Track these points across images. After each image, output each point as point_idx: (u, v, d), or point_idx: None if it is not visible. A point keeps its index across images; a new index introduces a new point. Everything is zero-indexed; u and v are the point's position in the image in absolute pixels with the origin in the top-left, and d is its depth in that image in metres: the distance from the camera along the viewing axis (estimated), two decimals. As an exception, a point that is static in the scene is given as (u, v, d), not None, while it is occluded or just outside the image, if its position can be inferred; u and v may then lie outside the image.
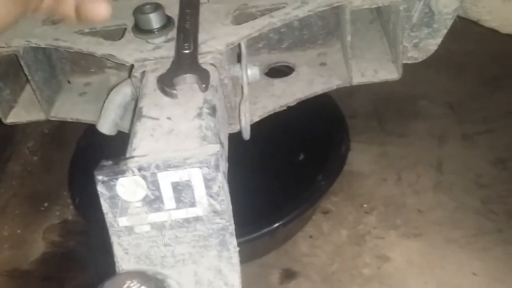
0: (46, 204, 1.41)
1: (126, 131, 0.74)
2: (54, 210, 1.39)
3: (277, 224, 1.12)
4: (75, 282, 1.20)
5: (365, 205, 1.30)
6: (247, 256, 1.17)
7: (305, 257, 1.22)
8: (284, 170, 1.28)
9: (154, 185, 0.51)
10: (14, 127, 1.59)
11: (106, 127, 0.72)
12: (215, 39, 0.67)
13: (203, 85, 0.60)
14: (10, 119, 0.78)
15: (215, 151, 0.52)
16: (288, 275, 1.20)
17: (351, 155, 1.27)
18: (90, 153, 1.28)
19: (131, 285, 0.39)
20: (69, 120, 0.78)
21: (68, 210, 1.38)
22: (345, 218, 1.28)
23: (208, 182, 0.51)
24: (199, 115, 0.58)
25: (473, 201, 1.25)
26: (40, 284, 1.24)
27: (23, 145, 1.56)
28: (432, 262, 1.18)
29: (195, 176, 0.51)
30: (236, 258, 0.54)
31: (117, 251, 0.53)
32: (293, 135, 1.31)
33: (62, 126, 1.59)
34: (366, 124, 1.46)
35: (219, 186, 0.52)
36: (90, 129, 1.39)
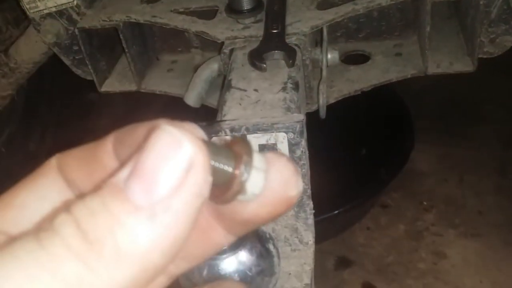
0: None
1: (210, 106, 0.80)
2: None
3: (337, 211, 1.16)
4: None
5: (424, 203, 1.32)
6: (305, 241, 1.22)
7: (361, 247, 1.25)
8: (348, 162, 1.31)
9: (243, 146, 0.56)
10: (89, 107, 1.70)
11: (192, 99, 0.78)
12: (301, 22, 0.72)
13: (290, 61, 0.64)
14: (105, 88, 0.86)
15: (301, 118, 0.57)
16: (344, 262, 1.23)
17: (414, 154, 1.29)
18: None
19: None
20: (157, 92, 0.84)
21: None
22: (404, 214, 1.30)
23: (292, 146, 0.56)
24: (284, 89, 0.63)
25: (535, 207, 1.25)
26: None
27: (98, 122, 1.66)
28: (488, 263, 1.18)
29: (281, 140, 0.56)
30: (311, 220, 0.59)
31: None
32: (359, 130, 1.34)
33: (134, 109, 1.68)
34: (431, 125, 1.48)
35: (302, 151, 0.56)
36: (162, 112, 1.47)
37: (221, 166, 0.20)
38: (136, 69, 0.83)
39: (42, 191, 0.23)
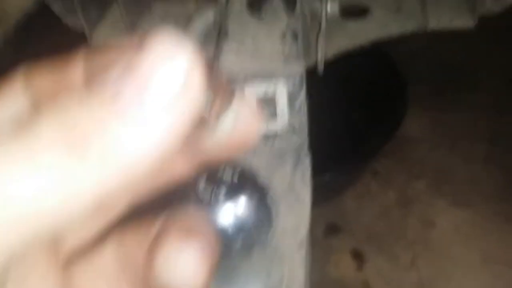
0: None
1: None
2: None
3: (326, 177, 1.14)
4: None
5: (415, 170, 1.30)
6: (294, 207, 1.20)
7: (350, 214, 1.24)
8: (339, 127, 1.28)
9: (239, 96, 0.53)
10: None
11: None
12: (300, -30, 0.68)
13: (289, 11, 0.61)
14: (95, 38, 0.81)
15: (300, 68, 0.54)
16: (333, 229, 1.21)
17: (406, 120, 1.27)
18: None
19: (225, 173, 0.41)
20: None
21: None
22: (394, 181, 1.29)
23: (291, 97, 0.53)
24: (283, 39, 0.60)
25: (525, 176, 1.24)
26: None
27: None
28: (478, 232, 1.18)
29: (280, 91, 0.53)
30: (308, 176, 0.56)
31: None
32: (352, 95, 1.31)
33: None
34: (425, 90, 1.45)
35: (301, 102, 0.53)
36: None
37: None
38: (127, 17, 0.78)
39: (10, 102, 0.22)
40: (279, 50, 0.58)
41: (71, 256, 0.24)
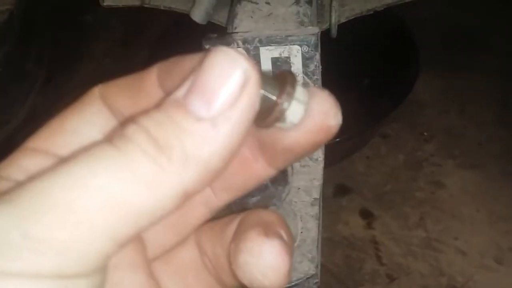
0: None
1: (217, 23, 0.78)
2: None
3: (337, 139, 1.16)
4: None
5: (425, 133, 1.32)
6: (305, 168, 1.23)
7: (360, 176, 1.26)
8: (351, 90, 1.30)
9: (255, 58, 0.55)
10: (85, 30, 1.66)
11: (198, 15, 0.76)
12: None
13: (304, -25, 0.62)
14: (108, 2, 0.83)
15: (316, 31, 0.55)
16: (342, 190, 1.24)
17: (416, 84, 1.28)
18: (162, 58, 1.33)
19: None
20: (162, 8, 0.82)
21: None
22: (404, 144, 1.31)
23: (306, 60, 0.55)
24: (297, 2, 0.61)
25: (534, 139, 1.26)
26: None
27: (95, 47, 1.63)
28: (486, 193, 1.20)
29: (295, 53, 0.55)
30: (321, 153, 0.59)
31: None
32: (363, 58, 1.32)
33: (133, 32, 1.64)
34: (434, 55, 1.45)
35: (316, 65, 0.55)
36: (162, 37, 1.44)
37: (266, 93, 0.22)
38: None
39: (89, 118, 0.25)
40: (294, 12, 0.60)
41: (155, 255, 0.27)
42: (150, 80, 0.25)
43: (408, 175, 1.25)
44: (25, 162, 0.23)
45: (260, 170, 0.26)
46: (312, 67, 0.55)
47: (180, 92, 0.21)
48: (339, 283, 1.11)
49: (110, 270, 0.21)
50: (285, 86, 0.22)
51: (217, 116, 0.20)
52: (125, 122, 0.21)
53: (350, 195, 1.24)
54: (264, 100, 0.22)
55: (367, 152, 1.31)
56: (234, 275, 0.24)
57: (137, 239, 0.25)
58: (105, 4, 0.83)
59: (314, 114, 0.23)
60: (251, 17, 0.61)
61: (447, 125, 1.32)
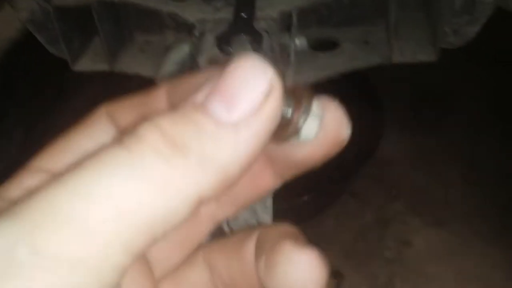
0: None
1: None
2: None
3: (305, 197, 1.18)
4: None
5: (393, 191, 1.34)
6: (274, 226, 1.23)
7: (329, 234, 1.27)
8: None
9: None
10: (66, 83, 1.68)
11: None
12: (271, 6, 0.73)
13: (256, 46, 0.65)
14: (78, 67, 0.86)
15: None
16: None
17: (384, 142, 1.31)
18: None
19: None
20: (130, 73, 0.85)
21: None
22: (372, 202, 1.33)
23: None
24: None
25: (502, 198, 1.28)
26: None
27: (75, 100, 1.65)
28: (454, 252, 1.21)
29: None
30: (270, 202, 0.60)
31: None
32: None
33: (112, 87, 1.67)
34: (402, 113, 1.50)
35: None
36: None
37: (283, 107, 0.21)
38: (109, 48, 0.83)
39: (95, 136, 0.24)
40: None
41: (162, 274, 0.26)
42: (159, 98, 0.24)
43: (377, 233, 1.27)
44: (27, 181, 0.22)
45: (267, 182, 0.25)
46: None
47: (199, 96, 0.19)
48: None
49: None
50: (301, 102, 0.21)
51: (238, 122, 0.19)
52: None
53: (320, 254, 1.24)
54: (280, 115, 0.21)
55: (336, 210, 1.32)
56: None
57: (143, 261, 0.24)
58: (75, 69, 0.85)
59: (327, 127, 0.23)
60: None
61: (415, 183, 1.35)
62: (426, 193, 1.33)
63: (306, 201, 1.18)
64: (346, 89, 1.33)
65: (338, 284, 1.19)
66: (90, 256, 0.17)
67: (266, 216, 0.61)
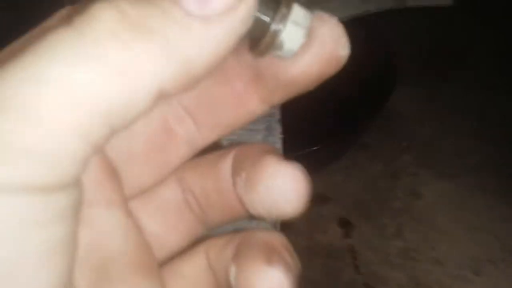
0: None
1: None
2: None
3: (316, 147, 1.17)
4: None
5: (404, 144, 1.33)
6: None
7: (339, 185, 1.27)
8: (329, 100, 1.31)
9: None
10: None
11: None
12: None
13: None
14: None
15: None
16: (322, 199, 1.25)
17: (396, 95, 1.30)
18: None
19: None
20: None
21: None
22: (383, 154, 1.32)
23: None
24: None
25: (511, 151, 1.27)
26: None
27: None
28: (463, 204, 1.21)
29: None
30: (279, 144, 0.59)
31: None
32: (341, 69, 1.33)
33: None
34: (415, 66, 1.47)
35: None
36: None
37: (260, 14, 0.19)
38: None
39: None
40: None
41: (133, 194, 0.25)
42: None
43: (386, 185, 1.26)
44: None
45: (252, 106, 0.24)
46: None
47: None
48: (316, 292, 1.12)
49: (85, 206, 0.18)
50: (280, 7, 0.19)
51: (210, 17, 0.17)
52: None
53: (329, 204, 1.25)
54: (258, 23, 0.19)
55: (346, 162, 1.32)
56: (243, 207, 0.23)
57: (113, 176, 0.23)
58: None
59: (323, 41, 0.21)
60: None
61: (426, 136, 1.34)
62: (436, 146, 1.32)
63: (316, 151, 1.18)
64: (358, 41, 1.30)
65: (347, 233, 1.20)
66: (45, 145, 0.15)
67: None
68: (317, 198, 1.25)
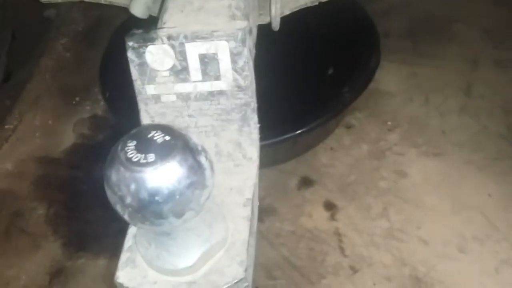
0: (77, 99, 1.45)
1: (158, 16, 0.75)
2: (85, 104, 1.44)
3: (299, 131, 1.14)
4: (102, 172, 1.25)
5: (388, 123, 1.31)
6: (267, 161, 1.21)
7: (323, 167, 1.25)
8: (312, 80, 1.28)
9: (181, 55, 0.53)
10: (48, 24, 1.62)
11: (138, 9, 0.73)
12: None
13: (236, -35, 0.60)
14: (46, -2, 0.80)
15: (243, 26, 0.53)
16: (306, 182, 1.23)
17: (380, 74, 1.27)
18: (121, 51, 1.31)
19: (155, 134, 0.41)
20: (102, 2, 0.79)
21: (98, 105, 1.42)
22: (367, 134, 1.30)
23: (234, 56, 0.53)
24: (230, -6, 0.59)
25: (497, 126, 1.25)
26: (69, 172, 1.30)
27: (56, 41, 1.60)
28: (449, 181, 1.19)
29: (222, 49, 0.53)
30: (256, 134, 0.57)
31: (144, 118, 0.56)
32: (324, 47, 1.30)
33: (95, 26, 1.61)
34: (399, 44, 1.45)
35: (245, 61, 0.53)
36: (122, 29, 1.40)
37: None
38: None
39: None
40: (226, 6, 0.58)
41: None
42: None
43: (371, 165, 1.24)
44: None
45: None
46: (240, 63, 0.53)
47: None
48: (302, 277, 1.10)
49: None
50: None
51: None
52: None
53: (314, 186, 1.22)
54: None
55: (331, 143, 1.29)
56: None
57: None
58: (43, 0, 0.80)
59: None
60: (182, 11, 0.59)
61: (411, 114, 1.31)
62: (422, 124, 1.30)
63: (300, 134, 1.15)
64: (341, 20, 1.28)
65: (332, 216, 1.18)
66: None
67: (252, 148, 0.57)
68: (302, 182, 1.23)
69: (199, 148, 0.43)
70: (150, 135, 0.42)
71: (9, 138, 1.37)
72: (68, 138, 1.37)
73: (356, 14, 1.30)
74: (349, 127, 1.31)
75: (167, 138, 0.42)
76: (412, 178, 1.21)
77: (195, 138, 0.43)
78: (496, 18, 1.44)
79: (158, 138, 0.42)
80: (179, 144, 0.42)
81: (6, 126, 1.39)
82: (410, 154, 1.25)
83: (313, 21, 1.17)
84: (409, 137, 1.27)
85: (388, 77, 1.37)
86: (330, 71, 1.31)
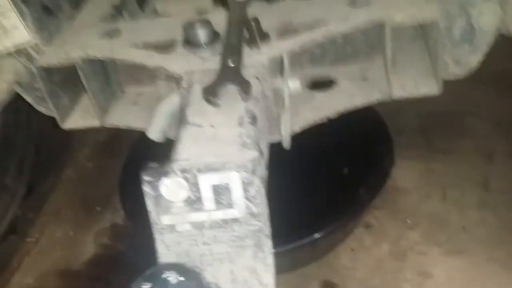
0: (98, 208, 1.47)
1: (174, 139, 0.79)
2: (106, 214, 1.46)
3: (318, 235, 1.14)
4: (123, 284, 1.25)
5: (408, 221, 1.30)
6: (288, 265, 1.20)
7: (345, 270, 1.23)
8: (328, 182, 1.29)
9: (195, 186, 0.55)
10: (71, 135, 1.68)
11: (155, 134, 0.77)
12: (259, 53, 0.70)
13: (245, 95, 0.63)
14: (68, 125, 0.84)
15: (253, 157, 0.55)
16: (328, 286, 1.21)
17: (396, 171, 1.27)
18: (141, 161, 1.34)
19: (169, 275, 0.42)
20: (121, 127, 0.83)
21: (118, 214, 1.44)
22: (388, 233, 1.28)
23: (245, 185, 0.54)
24: (241, 123, 0.62)
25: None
26: (89, 284, 1.30)
27: (78, 152, 1.65)
28: (473, 280, 1.16)
29: (234, 180, 0.54)
30: (270, 259, 0.57)
31: (160, 247, 0.57)
32: (338, 149, 1.32)
33: (116, 136, 1.67)
34: (413, 140, 1.46)
35: (256, 190, 0.55)
36: (142, 139, 1.45)
37: None
38: (98, 104, 0.81)
39: None
40: (236, 135, 0.60)
41: None
42: None
43: (394, 266, 1.22)
44: None
45: None
46: (252, 191, 0.55)
47: None
48: None
49: None
50: None
51: None
52: None
53: (337, 291, 1.20)
54: None
55: (351, 244, 1.28)
56: None
57: None
58: (65, 127, 0.84)
59: None
60: (195, 140, 0.61)
61: (430, 211, 1.30)
62: (442, 220, 1.28)
63: (319, 238, 1.15)
64: (352, 122, 1.30)
65: (357, 322, 1.15)
66: None
67: (267, 274, 0.58)
68: (324, 286, 1.21)
69: (211, 285, 0.44)
70: (164, 276, 0.43)
71: (31, 252, 1.39)
72: (88, 248, 1.38)
73: (367, 114, 1.33)
74: (368, 226, 1.30)
75: (182, 279, 0.43)
76: (436, 278, 1.18)
77: (209, 276, 0.44)
78: (508, 111, 1.46)
79: (173, 279, 0.43)
80: (192, 286, 0.42)
81: (28, 239, 1.41)
82: (433, 253, 1.22)
83: (325, 125, 1.20)
84: (430, 235, 1.26)
85: (404, 174, 1.38)
86: (347, 171, 1.32)
